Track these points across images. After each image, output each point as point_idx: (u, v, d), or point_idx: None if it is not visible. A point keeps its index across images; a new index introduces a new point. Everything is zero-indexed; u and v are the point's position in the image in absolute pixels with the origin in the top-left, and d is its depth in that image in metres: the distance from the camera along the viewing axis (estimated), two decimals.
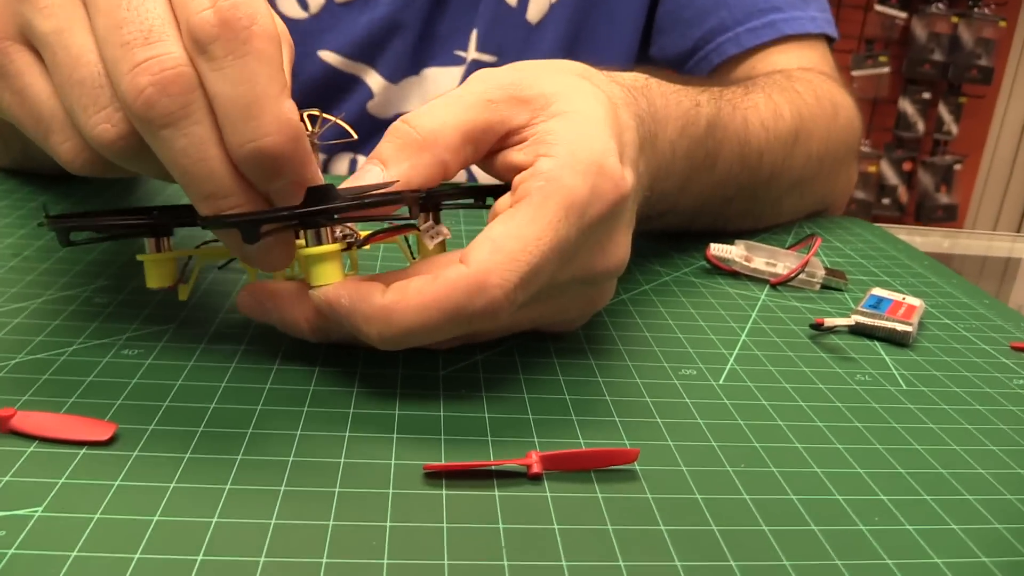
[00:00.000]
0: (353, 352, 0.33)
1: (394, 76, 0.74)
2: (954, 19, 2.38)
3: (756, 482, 0.27)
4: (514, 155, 0.31)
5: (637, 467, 0.28)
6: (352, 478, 0.26)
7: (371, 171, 0.31)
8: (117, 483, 0.25)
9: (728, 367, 0.36)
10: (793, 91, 0.56)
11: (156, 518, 0.23)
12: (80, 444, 0.26)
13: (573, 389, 0.32)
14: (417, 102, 0.76)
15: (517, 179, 0.31)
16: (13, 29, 0.28)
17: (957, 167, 2.51)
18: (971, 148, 2.52)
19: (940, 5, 2.38)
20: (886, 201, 2.53)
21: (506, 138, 0.32)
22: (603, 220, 0.31)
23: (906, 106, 2.47)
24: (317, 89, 0.73)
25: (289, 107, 0.27)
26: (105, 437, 0.26)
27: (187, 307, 0.37)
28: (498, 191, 0.33)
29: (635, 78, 0.40)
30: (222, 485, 0.25)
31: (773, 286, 0.46)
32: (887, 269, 0.51)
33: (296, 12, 0.72)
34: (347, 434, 0.28)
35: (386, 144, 0.31)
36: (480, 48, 0.74)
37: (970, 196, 2.58)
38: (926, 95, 2.46)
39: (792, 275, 0.46)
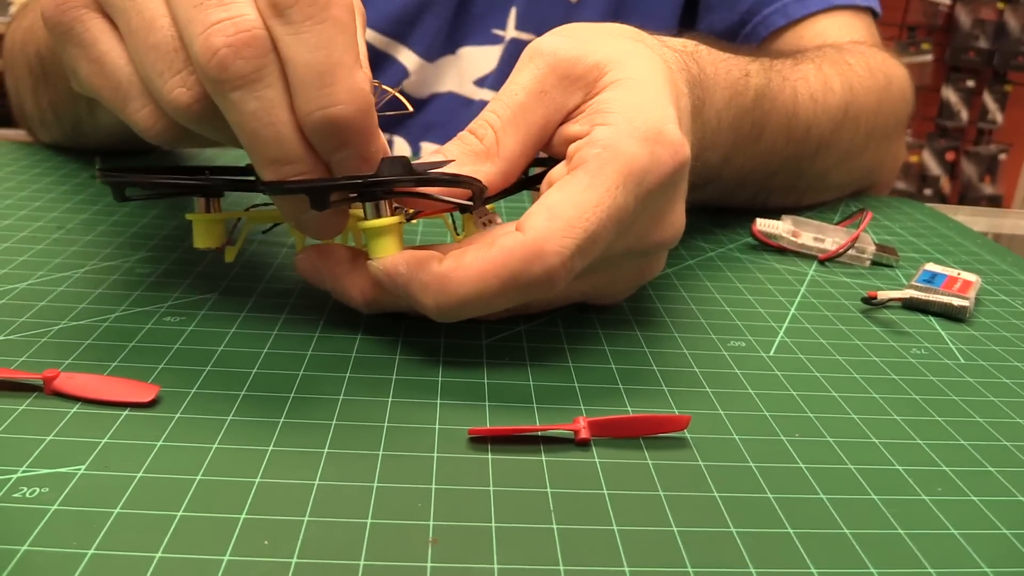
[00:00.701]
0: (395, 321, 0.33)
1: (429, 54, 0.73)
2: (1000, 5, 2.32)
3: (812, 451, 0.26)
4: (570, 128, 0.31)
5: (687, 435, 0.27)
6: (396, 442, 0.25)
7: (436, 157, 0.30)
8: (160, 443, 0.24)
9: (778, 339, 0.35)
10: (845, 63, 0.55)
11: (199, 477, 0.23)
12: (123, 406, 0.26)
13: (619, 359, 0.32)
14: (454, 82, 0.75)
15: (572, 148, 0.30)
16: None
17: (1002, 157, 2.45)
18: (1016, 137, 2.46)
19: None
20: (928, 192, 2.48)
21: (564, 120, 0.32)
22: (662, 188, 0.30)
23: (949, 95, 2.42)
24: None
25: (362, 78, 0.27)
26: (148, 399, 0.26)
27: (229, 277, 0.36)
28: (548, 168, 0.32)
29: (684, 44, 0.39)
30: (265, 447, 0.25)
31: (821, 262, 0.45)
32: (939, 247, 0.49)
33: None
34: (390, 399, 0.28)
35: (454, 146, 0.31)
36: (520, 27, 0.73)
37: (1015, 186, 2.52)
38: (970, 83, 2.40)
39: (842, 250, 0.44)
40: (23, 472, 0.23)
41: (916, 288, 0.39)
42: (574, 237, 0.27)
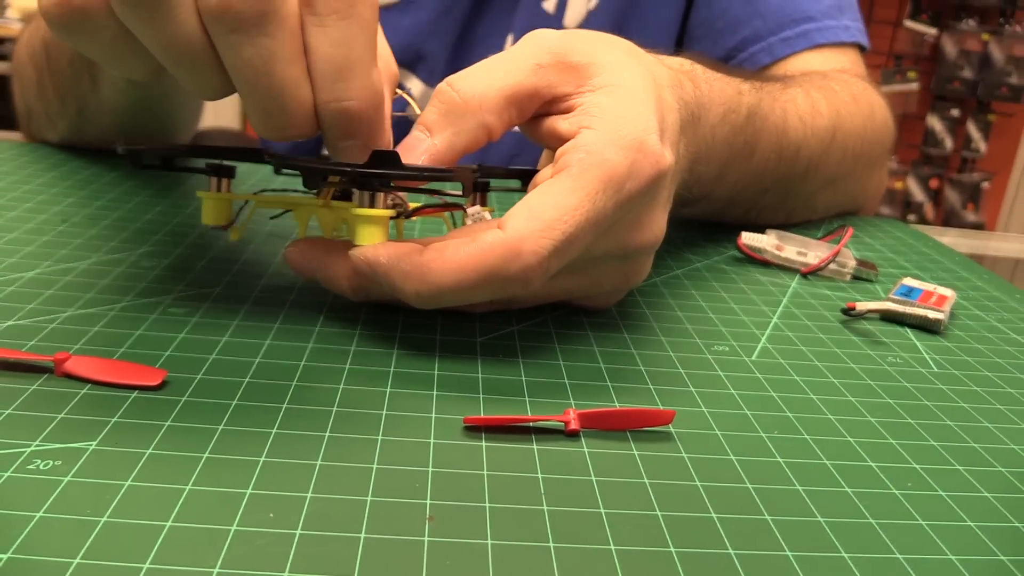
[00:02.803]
0: (393, 316, 0.34)
1: (432, 80, 0.75)
2: (985, 36, 2.37)
3: (790, 447, 0.28)
4: (559, 123, 0.32)
5: (672, 429, 0.28)
6: (394, 428, 0.26)
7: (419, 139, 0.31)
8: (168, 423, 0.25)
9: (760, 345, 0.36)
10: (830, 89, 0.57)
11: (206, 455, 0.24)
12: (132, 388, 0.27)
13: (608, 359, 0.33)
14: None
15: (560, 150, 0.31)
16: None
17: (985, 185, 2.49)
18: (999, 166, 2.50)
19: (971, 22, 2.37)
20: (912, 217, 2.52)
21: (551, 103, 0.33)
22: (640, 195, 0.31)
23: (934, 123, 2.46)
24: None
25: (377, 76, 0.28)
26: (156, 382, 0.27)
27: (232, 272, 0.38)
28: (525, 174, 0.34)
29: (681, 63, 0.41)
30: (269, 429, 0.26)
31: (804, 275, 0.46)
32: (918, 264, 0.51)
33: None
34: (388, 389, 0.29)
35: (431, 109, 0.32)
36: None
37: (997, 215, 2.56)
38: (955, 112, 2.45)
39: (823, 264, 0.46)
40: (36, 446, 0.24)
41: (894, 301, 0.41)
42: (552, 238, 0.29)
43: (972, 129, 2.46)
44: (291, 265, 0.34)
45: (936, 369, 0.36)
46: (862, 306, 0.39)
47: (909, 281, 0.44)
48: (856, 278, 0.47)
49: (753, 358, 0.35)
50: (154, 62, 0.28)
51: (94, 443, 0.24)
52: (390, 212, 0.31)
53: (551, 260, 0.29)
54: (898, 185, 2.49)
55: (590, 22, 0.74)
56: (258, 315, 0.34)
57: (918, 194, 2.51)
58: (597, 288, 0.35)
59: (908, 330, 0.40)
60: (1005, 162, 2.51)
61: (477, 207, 0.34)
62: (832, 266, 0.46)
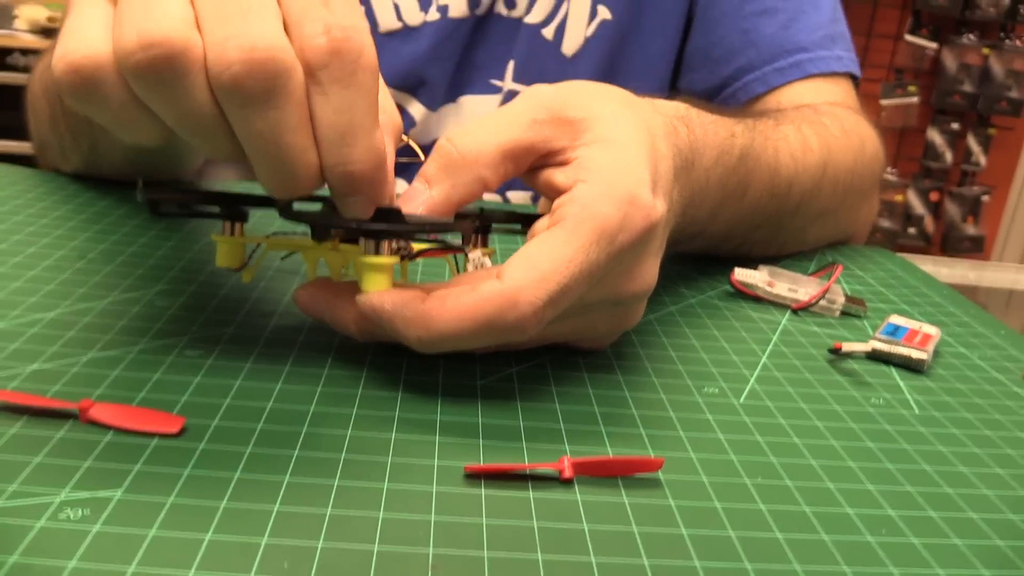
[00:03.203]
0: (397, 358, 0.36)
1: (433, 104, 0.77)
2: (985, 51, 2.39)
3: (772, 493, 0.29)
4: (556, 176, 0.34)
5: (661, 476, 0.30)
6: (399, 476, 0.28)
7: (418, 190, 0.33)
8: (187, 472, 0.27)
9: (749, 386, 0.38)
10: (821, 124, 0.58)
11: (223, 504, 0.26)
12: (152, 435, 0.29)
13: (602, 402, 0.35)
14: (454, 127, 0.78)
15: (556, 202, 0.33)
16: None
17: (985, 198, 2.51)
18: (999, 180, 2.52)
19: (971, 36, 2.39)
20: (912, 231, 2.53)
21: (548, 156, 0.34)
22: (632, 247, 0.33)
23: (934, 136, 2.48)
24: None
25: (379, 137, 0.30)
26: (175, 429, 0.29)
27: (243, 312, 0.39)
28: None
29: (676, 108, 0.42)
30: (281, 477, 0.27)
31: (794, 311, 0.48)
32: (906, 298, 0.53)
33: None
34: (393, 435, 0.30)
35: (431, 163, 0.34)
36: (516, 78, 0.76)
37: (997, 228, 2.58)
38: (955, 126, 2.46)
39: (813, 301, 0.47)
40: (66, 495, 0.25)
41: (879, 340, 0.42)
42: (547, 290, 0.30)
43: (972, 143, 2.47)
44: (301, 307, 0.35)
45: (917, 411, 0.37)
46: (848, 347, 0.41)
47: (896, 319, 0.45)
48: (845, 314, 0.48)
49: (741, 400, 0.36)
50: (165, 130, 0.29)
51: (119, 491, 0.26)
52: (394, 259, 0.33)
53: (546, 310, 0.31)
54: (898, 198, 2.50)
55: (588, 48, 0.76)
56: (269, 357, 0.35)
57: (918, 207, 2.53)
58: (592, 332, 0.37)
59: (893, 369, 0.41)
60: (1005, 175, 2.53)
61: (478, 252, 0.36)
62: (822, 303, 0.48)
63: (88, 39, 0.27)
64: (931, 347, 0.42)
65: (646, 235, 0.33)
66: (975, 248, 2.54)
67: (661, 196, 0.35)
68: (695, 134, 0.42)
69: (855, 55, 0.74)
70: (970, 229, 2.52)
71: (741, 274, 0.49)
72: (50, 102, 0.58)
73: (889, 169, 2.50)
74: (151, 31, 0.26)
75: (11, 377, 0.32)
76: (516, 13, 0.75)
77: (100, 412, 0.29)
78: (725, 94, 0.75)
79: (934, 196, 2.52)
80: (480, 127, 0.34)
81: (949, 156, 2.48)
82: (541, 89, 0.35)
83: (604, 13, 0.75)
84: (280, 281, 0.44)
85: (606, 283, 0.33)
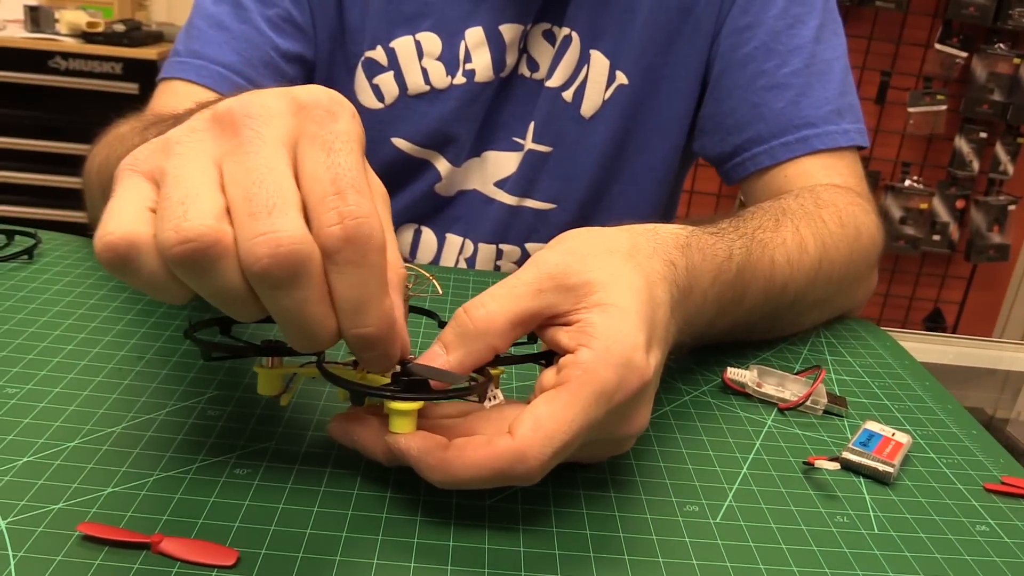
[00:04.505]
0: (416, 478, 0.41)
1: (458, 160, 0.82)
2: (1016, 60, 2.38)
3: None
4: (561, 336, 0.39)
5: None
6: None
7: (437, 354, 0.38)
8: None
9: (726, 504, 0.43)
10: (820, 220, 0.62)
11: None
12: (212, 567, 0.34)
13: (594, 524, 0.40)
14: (477, 181, 0.83)
15: (562, 361, 0.38)
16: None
17: (1011, 208, 2.50)
18: None
19: (1002, 46, 2.38)
20: (936, 237, 2.54)
21: (553, 319, 0.39)
22: (627, 402, 0.38)
23: (962, 144, 2.47)
24: (391, 172, 0.82)
25: (389, 304, 0.35)
26: (230, 563, 0.34)
27: (282, 423, 0.45)
28: (547, 356, 0.40)
29: (676, 236, 0.46)
30: None
31: (781, 411, 0.53)
32: (888, 389, 0.57)
33: (373, 103, 0.80)
34: (412, 564, 0.36)
35: (449, 330, 0.39)
36: (536, 139, 0.81)
37: None
38: (983, 134, 2.46)
39: (798, 403, 0.52)
40: None
41: (851, 451, 0.47)
42: (552, 446, 0.36)
43: (1000, 151, 2.46)
44: (334, 437, 0.41)
45: (876, 530, 0.42)
46: (820, 464, 0.46)
47: (871, 425, 0.50)
48: (828, 412, 0.53)
49: (717, 520, 0.41)
50: (195, 295, 0.34)
51: None
52: (419, 405, 0.38)
53: (551, 461, 0.36)
54: (923, 206, 2.51)
55: (605, 111, 0.80)
56: (306, 476, 0.41)
57: (943, 214, 2.53)
58: (589, 457, 0.42)
59: (862, 481, 0.46)
60: None
61: (498, 393, 0.40)
62: (807, 403, 0.53)
63: (125, 223, 0.32)
64: (900, 457, 0.47)
65: (640, 392, 0.38)
66: (1000, 256, 2.54)
67: (655, 350, 0.39)
68: (693, 260, 0.47)
69: (863, 125, 0.78)
70: (996, 238, 2.52)
71: (733, 373, 0.54)
72: (102, 186, 0.63)
73: (914, 177, 2.50)
74: (186, 228, 0.31)
75: (93, 501, 0.37)
76: (538, 75, 0.80)
77: (168, 545, 0.35)
78: (734, 162, 0.79)
79: (960, 204, 2.52)
80: (491, 300, 0.39)
81: (976, 164, 2.47)
82: (546, 257, 0.40)
83: (621, 79, 0.79)
84: (311, 397, 0.49)
85: (603, 428, 0.38)
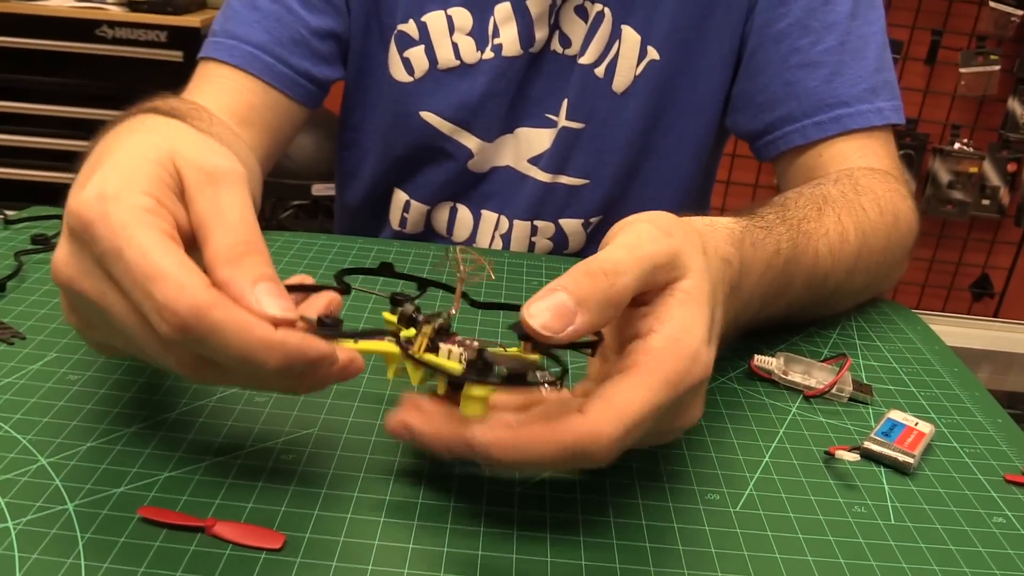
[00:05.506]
0: (448, 486, 0.43)
1: (489, 136, 0.82)
2: None
3: None
4: (637, 320, 0.40)
5: None
6: None
7: (566, 308, 0.37)
8: None
9: (747, 493, 0.44)
10: (860, 208, 0.63)
11: None
12: (261, 550, 0.37)
13: (620, 533, 0.41)
14: (511, 157, 0.84)
15: (631, 347, 0.39)
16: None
17: None
18: None
19: None
20: (986, 202, 2.48)
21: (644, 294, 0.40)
22: (688, 394, 0.39)
23: (1015, 106, 2.40)
24: (421, 149, 0.83)
25: (176, 285, 0.34)
26: (278, 546, 0.37)
27: (324, 409, 0.47)
28: (592, 346, 0.42)
29: (731, 233, 0.48)
30: None
31: (807, 398, 0.54)
32: (915, 376, 0.58)
33: (403, 76, 0.81)
34: (445, 550, 0.38)
35: (584, 288, 0.37)
36: (570, 116, 0.82)
37: None
38: None
39: (823, 391, 0.53)
40: None
41: (872, 441, 0.48)
42: (624, 425, 0.36)
43: None
44: (391, 433, 0.40)
45: (893, 521, 0.43)
46: (841, 454, 0.47)
47: (895, 415, 0.51)
48: (853, 400, 0.54)
49: (737, 509, 0.43)
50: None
51: None
52: (491, 389, 0.39)
53: (622, 441, 0.37)
54: (973, 169, 2.45)
55: (637, 87, 0.80)
56: (346, 461, 0.43)
57: (994, 178, 2.47)
58: (639, 448, 0.44)
59: (882, 470, 0.47)
60: None
61: (546, 374, 0.41)
62: (832, 391, 0.54)
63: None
64: (921, 448, 0.48)
65: (701, 385, 0.40)
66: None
67: (714, 343, 0.41)
68: (744, 255, 0.48)
69: (898, 100, 0.77)
70: None
71: (760, 360, 0.55)
72: None
73: (964, 140, 2.44)
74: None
75: (151, 485, 0.40)
76: (571, 52, 0.80)
77: (221, 529, 0.38)
78: (766, 140, 0.79)
79: (1011, 167, 2.46)
80: (626, 269, 0.38)
81: None
82: (660, 235, 0.40)
83: (653, 54, 0.80)
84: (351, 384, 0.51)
85: (662, 420, 0.39)
